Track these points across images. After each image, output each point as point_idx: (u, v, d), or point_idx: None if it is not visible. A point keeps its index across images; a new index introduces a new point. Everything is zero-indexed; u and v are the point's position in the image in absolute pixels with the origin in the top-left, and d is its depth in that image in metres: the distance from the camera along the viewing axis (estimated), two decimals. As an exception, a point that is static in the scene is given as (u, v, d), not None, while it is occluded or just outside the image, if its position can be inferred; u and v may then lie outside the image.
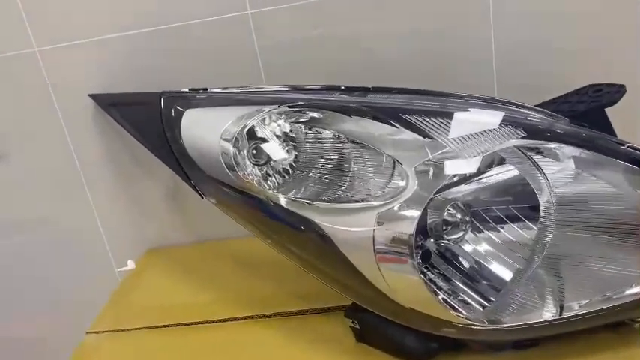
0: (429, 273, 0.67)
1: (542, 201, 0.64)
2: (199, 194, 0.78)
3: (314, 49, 0.91)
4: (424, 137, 0.61)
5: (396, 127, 0.62)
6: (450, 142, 0.60)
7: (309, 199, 0.66)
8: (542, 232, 0.64)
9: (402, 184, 0.61)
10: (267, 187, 0.70)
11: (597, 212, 0.63)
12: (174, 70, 0.93)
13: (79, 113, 0.98)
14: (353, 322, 0.73)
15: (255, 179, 0.70)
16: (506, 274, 0.68)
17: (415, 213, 0.60)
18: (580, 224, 0.64)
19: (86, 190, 1.04)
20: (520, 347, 0.68)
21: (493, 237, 0.70)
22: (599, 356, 0.65)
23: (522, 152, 0.62)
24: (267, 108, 0.68)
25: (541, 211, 0.64)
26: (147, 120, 0.80)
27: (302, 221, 0.66)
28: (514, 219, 0.70)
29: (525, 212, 0.69)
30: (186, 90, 0.76)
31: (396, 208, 0.61)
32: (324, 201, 0.66)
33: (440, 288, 0.66)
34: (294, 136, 0.72)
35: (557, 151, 0.62)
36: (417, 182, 0.60)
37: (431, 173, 0.61)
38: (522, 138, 0.60)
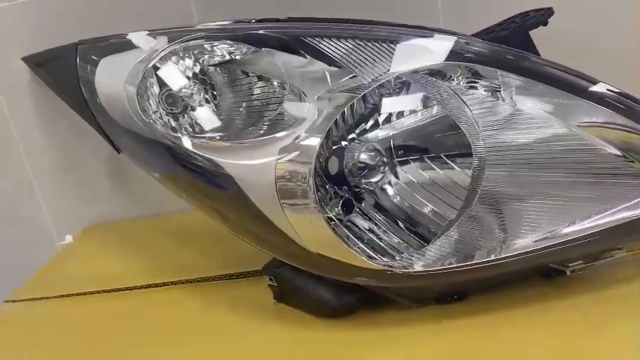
0: (343, 217, 0.62)
1: (472, 141, 0.58)
2: (116, 149, 0.74)
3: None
4: (329, 65, 0.56)
5: (303, 56, 0.57)
6: (356, 68, 0.55)
7: (211, 138, 0.61)
8: (475, 173, 0.59)
9: (305, 115, 0.56)
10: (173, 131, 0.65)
11: (530, 149, 0.58)
12: (111, 15, 0.89)
13: (13, 78, 0.93)
14: (270, 279, 0.67)
15: (160, 122, 0.65)
16: (438, 218, 0.63)
17: (315, 141, 0.55)
18: (514, 162, 0.58)
19: (25, 163, 1.00)
20: (445, 302, 0.62)
21: (424, 179, 0.65)
22: (529, 309, 0.59)
23: (452, 90, 0.58)
24: (166, 47, 0.63)
25: (473, 151, 0.58)
26: (65, 74, 0.75)
27: (206, 163, 0.61)
28: (446, 161, 0.65)
29: (458, 153, 0.64)
30: (104, 36, 0.72)
31: (295, 139, 0.56)
32: (227, 139, 0.61)
33: (355, 233, 0.61)
34: (209, 80, 0.67)
35: (482, 83, 0.57)
36: (317, 112, 0.55)
37: (334, 102, 0.56)
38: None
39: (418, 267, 0.57)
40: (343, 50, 0.56)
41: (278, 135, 0.57)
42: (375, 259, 0.58)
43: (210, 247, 0.84)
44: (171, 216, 0.95)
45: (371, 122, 0.66)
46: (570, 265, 0.58)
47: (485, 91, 0.58)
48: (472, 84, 0.58)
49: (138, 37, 0.67)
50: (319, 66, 0.56)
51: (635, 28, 0.85)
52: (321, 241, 0.58)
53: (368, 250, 0.59)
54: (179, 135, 0.63)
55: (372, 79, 0.54)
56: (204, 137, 0.62)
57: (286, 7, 0.77)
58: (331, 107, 0.56)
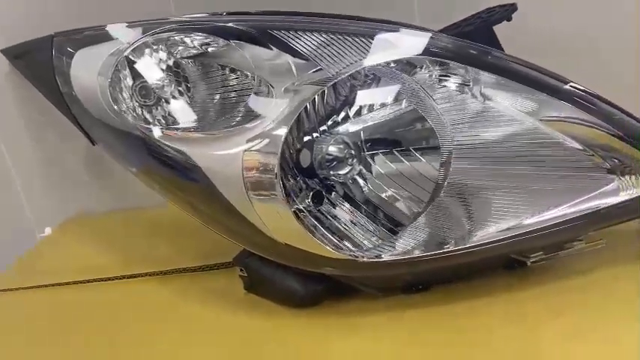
0: (313, 209, 0.63)
1: (440, 135, 0.59)
2: (91, 141, 0.75)
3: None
4: (295, 57, 0.57)
5: (270, 49, 0.58)
6: (321, 61, 0.56)
7: (181, 129, 0.62)
8: (443, 166, 0.60)
9: (272, 106, 0.57)
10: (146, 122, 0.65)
11: (497, 143, 0.59)
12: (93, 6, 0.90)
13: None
14: (241, 270, 0.68)
15: (132, 114, 0.65)
16: (406, 209, 0.64)
17: (281, 132, 0.56)
18: (481, 156, 0.59)
19: (6, 156, 1.00)
20: (410, 292, 0.63)
21: (393, 171, 0.65)
22: (492, 298, 0.60)
23: (419, 85, 0.59)
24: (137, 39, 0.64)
25: (440, 145, 0.59)
26: (41, 66, 0.76)
27: (176, 155, 0.62)
28: (415, 154, 0.65)
29: (427, 146, 0.65)
30: (80, 28, 0.73)
31: (262, 130, 0.57)
32: (197, 130, 0.62)
33: (323, 224, 0.61)
34: (183, 73, 0.68)
35: (452, 78, 0.59)
36: (283, 103, 0.56)
37: (301, 94, 0.57)
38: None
39: (384, 257, 0.58)
40: (309, 43, 0.56)
41: (245, 126, 0.58)
42: (341, 249, 0.59)
43: (185, 239, 0.85)
44: (149, 209, 0.95)
45: (342, 115, 0.67)
46: (531, 256, 0.59)
47: (454, 86, 0.59)
48: (442, 79, 0.60)
49: (116, 29, 0.67)
50: (285, 58, 0.57)
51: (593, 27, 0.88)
52: (287, 232, 0.59)
53: (335, 240, 0.60)
54: (149, 126, 0.63)
55: (337, 72, 0.55)
56: (174, 128, 0.63)
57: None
58: (298, 99, 0.57)
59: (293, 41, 0.57)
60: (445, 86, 0.59)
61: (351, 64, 0.55)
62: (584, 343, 0.53)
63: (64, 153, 1.00)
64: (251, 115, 0.59)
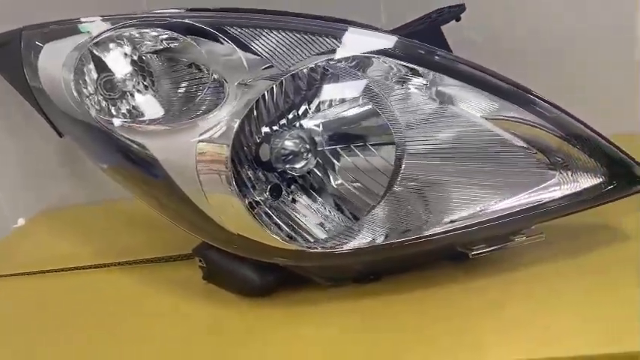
0: (272, 202, 0.65)
1: (394, 132, 0.61)
2: (58, 133, 0.76)
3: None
4: (248, 53, 0.59)
5: (224, 44, 0.59)
6: (272, 58, 0.58)
7: (140, 122, 0.63)
8: (396, 161, 0.62)
9: (226, 100, 0.59)
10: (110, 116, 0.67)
11: (447, 141, 0.62)
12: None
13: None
14: (200, 260, 0.70)
15: (96, 107, 0.67)
16: (360, 202, 0.65)
17: (233, 124, 0.58)
18: (431, 152, 0.62)
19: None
20: (361, 281, 0.65)
21: (349, 165, 0.66)
22: (436, 288, 0.63)
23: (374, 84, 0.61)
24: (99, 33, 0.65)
25: (395, 143, 0.61)
26: (10, 59, 0.77)
27: (136, 147, 0.64)
28: (370, 149, 0.67)
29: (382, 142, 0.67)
30: (49, 22, 0.74)
31: (216, 123, 0.59)
32: (156, 123, 0.64)
33: (278, 215, 0.63)
34: (147, 67, 0.69)
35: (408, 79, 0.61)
36: (237, 97, 0.58)
37: (254, 89, 0.59)
38: (332, 51, 0.58)
39: (333, 248, 0.60)
40: (261, 40, 0.58)
41: (200, 119, 0.60)
42: (291, 240, 0.61)
43: (155, 231, 0.86)
44: (121, 202, 0.97)
45: (302, 109, 0.69)
46: (474, 248, 0.61)
47: (411, 86, 0.61)
48: (399, 80, 0.62)
49: (90, 22, 0.68)
50: (238, 55, 0.58)
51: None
52: (240, 223, 0.61)
53: (286, 232, 0.61)
54: (110, 119, 0.65)
55: (286, 69, 0.58)
56: (134, 121, 0.64)
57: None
58: (251, 93, 0.59)
59: (245, 38, 0.58)
60: (402, 86, 0.62)
61: (300, 61, 0.57)
62: (524, 333, 0.55)
63: (39, 145, 1.02)
64: (206, 109, 0.61)
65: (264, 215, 0.62)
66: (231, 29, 0.59)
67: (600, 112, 0.96)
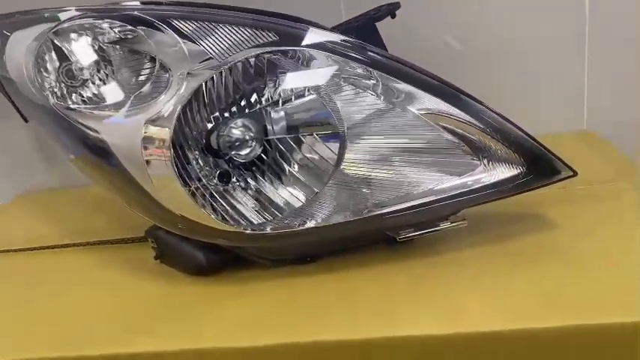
0: (221, 187, 0.69)
1: (338, 124, 0.65)
2: (24, 118, 0.80)
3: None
4: (190, 44, 0.63)
5: (170, 35, 0.63)
6: (211, 50, 0.62)
7: (95, 107, 0.67)
8: (339, 151, 0.66)
9: (171, 88, 0.63)
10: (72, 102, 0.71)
11: (385, 133, 0.66)
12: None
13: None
14: (152, 241, 0.74)
15: (56, 94, 0.71)
16: (302, 188, 0.69)
17: (175, 109, 0.62)
18: (370, 142, 0.66)
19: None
20: (299, 262, 0.69)
21: (296, 153, 0.70)
22: (368, 268, 0.67)
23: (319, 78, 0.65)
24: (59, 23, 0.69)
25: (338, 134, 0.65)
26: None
27: (88, 132, 0.67)
28: (315, 139, 0.70)
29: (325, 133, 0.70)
30: (16, 12, 0.78)
31: (160, 109, 0.63)
32: (108, 109, 0.67)
33: (224, 198, 0.67)
34: (107, 57, 0.73)
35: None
36: (181, 85, 0.62)
37: (197, 78, 0.63)
38: (272, 43, 0.62)
39: (267, 230, 0.64)
40: (203, 33, 0.62)
41: (146, 105, 0.64)
42: (227, 222, 0.65)
43: (119, 215, 0.89)
44: (92, 187, 1.00)
45: (253, 98, 0.72)
46: (401, 232, 0.65)
47: (350, 80, 0.65)
48: (341, 73, 0.65)
49: (52, 13, 0.71)
50: (181, 46, 0.62)
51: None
52: (181, 205, 0.64)
53: (224, 215, 0.65)
54: (66, 105, 0.69)
55: (224, 61, 0.62)
56: (88, 108, 0.68)
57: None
58: (193, 82, 0.62)
59: (188, 30, 0.62)
60: (343, 80, 0.65)
61: (237, 53, 0.61)
62: (437, 309, 0.59)
63: (17, 134, 1.06)
64: (153, 96, 0.65)
65: (205, 198, 0.66)
66: (176, 22, 0.63)
67: (549, 111, 1.01)
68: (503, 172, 0.63)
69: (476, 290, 0.60)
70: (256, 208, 0.68)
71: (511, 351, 0.55)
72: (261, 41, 0.62)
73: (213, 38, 0.62)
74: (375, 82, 0.65)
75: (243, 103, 0.70)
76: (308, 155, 0.70)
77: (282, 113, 0.71)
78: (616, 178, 0.79)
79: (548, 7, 0.96)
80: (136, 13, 0.65)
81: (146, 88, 0.66)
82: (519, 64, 0.98)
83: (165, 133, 0.62)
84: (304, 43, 0.63)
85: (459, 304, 0.58)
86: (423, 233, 0.65)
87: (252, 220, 0.66)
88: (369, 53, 0.64)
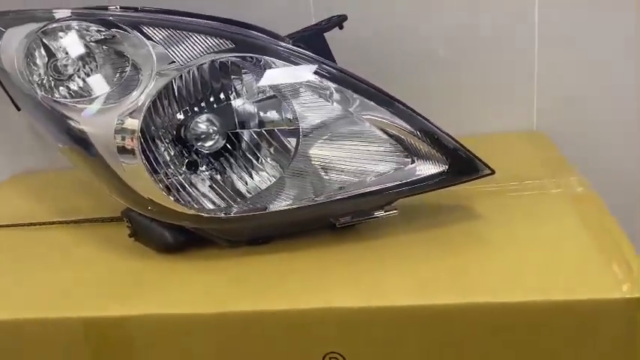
0: (188, 174, 0.77)
1: (295, 123, 0.74)
2: (16, 107, 0.88)
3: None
4: (154, 47, 0.71)
5: (139, 39, 0.72)
6: (174, 54, 0.71)
7: (77, 101, 0.76)
8: (295, 145, 0.74)
9: (141, 85, 0.72)
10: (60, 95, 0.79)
11: (336, 134, 0.74)
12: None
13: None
14: (127, 221, 0.83)
15: (44, 87, 0.79)
16: (257, 179, 0.77)
17: (145, 103, 0.71)
18: (321, 143, 0.74)
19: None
20: (254, 243, 0.79)
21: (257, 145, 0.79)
22: (314, 250, 0.76)
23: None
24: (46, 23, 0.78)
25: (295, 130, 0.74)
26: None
27: (71, 123, 0.76)
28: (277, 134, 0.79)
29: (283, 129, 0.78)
30: (11, 10, 0.86)
31: (131, 102, 0.71)
32: (87, 102, 0.76)
33: (190, 183, 0.76)
34: (92, 54, 0.81)
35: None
36: (150, 84, 0.71)
37: (163, 78, 0.71)
38: (229, 50, 0.70)
39: (222, 214, 0.73)
40: (169, 38, 0.71)
41: (121, 100, 0.72)
42: (187, 205, 0.74)
43: (106, 196, 0.95)
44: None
45: (222, 96, 0.79)
46: (340, 219, 0.74)
47: (304, 86, 0.73)
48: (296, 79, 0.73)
49: (43, 13, 0.79)
50: (149, 49, 0.71)
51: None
52: (148, 189, 0.73)
53: (186, 199, 0.74)
54: (52, 98, 0.77)
55: (185, 64, 0.70)
56: (71, 101, 0.76)
57: None
58: (161, 81, 0.71)
59: (155, 36, 0.71)
60: (300, 86, 0.73)
61: (198, 57, 0.70)
62: (355, 286, 0.68)
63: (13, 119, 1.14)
64: (127, 92, 0.73)
65: (171, 184, 0.75)
66: (145, 28, 0.72)
67: (498, 111, 1.08)
68: (429, 169, 0.72)
69: (391, 270, 0.69)
70: (217, 194, 0.77)
71: (419, 324, 0.64)
72: (220, 48, 0.71)
73: (178, 44, 0.71)
74: (328, 91, 0.73)
75: (212, 99, 0.79)
76: (268, 148, 0.79)
77: (246, 109, 0.79)
78: (548, 176, 0.87)
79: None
80: (111, 18, 0.74)
81: (122, 84, 0.75)
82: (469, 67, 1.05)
83: (135, 124, 0.71)
84: (257, 50, 0.72)
85: (378, 282, 0.68)
86: (359, 220, 0.74)
87: (212, 204, 0.75)
88: (323, 65, 0.72)
